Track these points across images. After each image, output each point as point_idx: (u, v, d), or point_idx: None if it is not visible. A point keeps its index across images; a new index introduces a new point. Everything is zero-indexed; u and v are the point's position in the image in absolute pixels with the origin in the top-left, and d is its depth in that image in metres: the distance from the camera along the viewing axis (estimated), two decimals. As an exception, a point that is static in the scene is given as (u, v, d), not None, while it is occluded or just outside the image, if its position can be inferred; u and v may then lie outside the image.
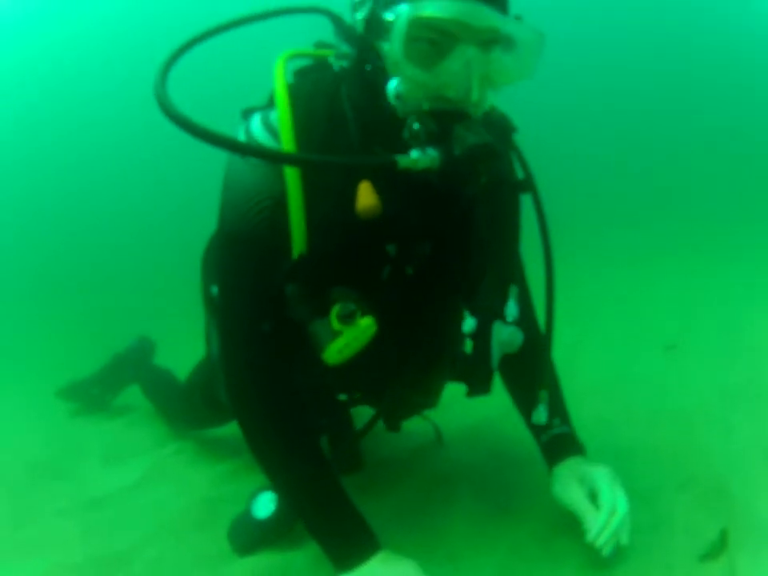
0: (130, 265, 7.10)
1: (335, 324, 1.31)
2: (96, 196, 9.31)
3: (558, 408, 1.79)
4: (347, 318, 1.30)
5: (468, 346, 1.56)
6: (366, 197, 1.32)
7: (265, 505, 1.78)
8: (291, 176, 1.37)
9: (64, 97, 10.27)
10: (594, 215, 6.63)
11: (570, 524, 1.70)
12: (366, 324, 1.32)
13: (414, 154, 1.26)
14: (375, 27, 1.29)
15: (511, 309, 1.55)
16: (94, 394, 3.26)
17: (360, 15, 1.35)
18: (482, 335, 1.51)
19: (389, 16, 1.25)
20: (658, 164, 8.72)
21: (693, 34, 10.74)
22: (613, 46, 11.02)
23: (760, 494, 1.85)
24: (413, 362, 1.63)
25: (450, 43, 1.26)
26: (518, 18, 1.34)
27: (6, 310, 5.90)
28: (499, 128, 1.49)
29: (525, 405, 1.82)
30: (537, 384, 1.64)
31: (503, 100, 1.49)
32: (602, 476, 1.63)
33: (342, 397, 1.80)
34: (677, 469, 2.05)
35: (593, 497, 1.62)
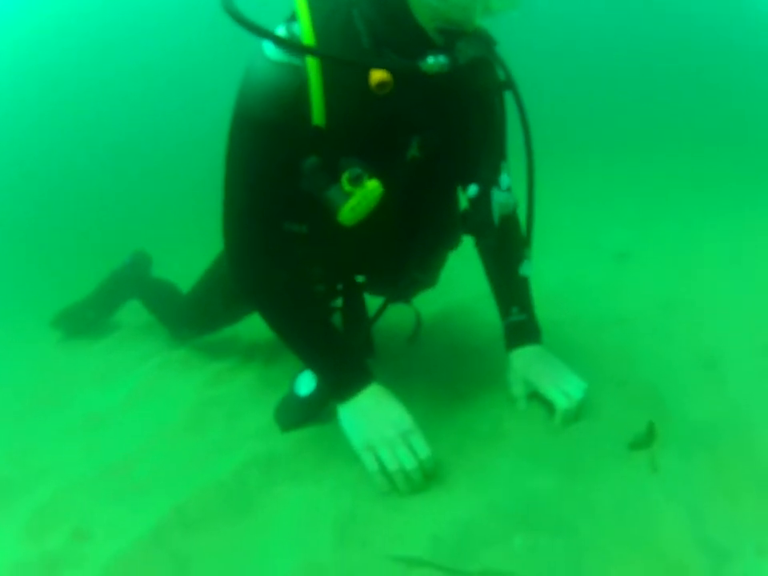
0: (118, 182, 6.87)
1: (346, 186, 1.48)
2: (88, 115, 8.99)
3: (520, 298, 2.04)
4: (356, 180, 1.48)
5: (470, 206, 1.79)
6: (378, 73, 1.46)
7: (306, 384, 1.97)
8: (311, 61, 1.49)
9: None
10: (561, 123, 6.56)
11: (515, 409, 1.97)
12: (372, 185, 1.49)
13: (430, 60, 1.47)
14: None
15: (504, 179, 1.78)
16: (89, 318, 3.23)
17: None
18: (484, 197, 1.74)
19: None
20: (634, 80, 8.63)
21: None
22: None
23: (689, 398, 1.96)
24: (419, 236, 1.87)
25: None
26: None
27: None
28: (483, 41, 1.65)
29: (499, 286, 2.12)
30: (521, 244, 1.96)
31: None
32: (543, 384, 1.91)
33: (359, 278, 2.05)
34: (614, 370, 2.16)
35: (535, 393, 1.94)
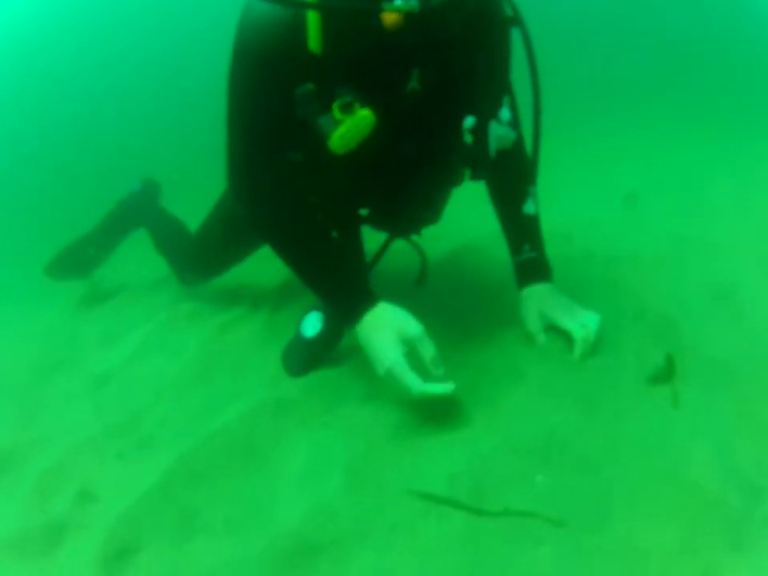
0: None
1: (337, 114, 1.46)
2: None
3: (531, 236, 1.96)
4: (346, 108, 1.45)
5: (469, 138, 1.75)
6: (391, 15, 1.42)
7: (312, 325, 1.93)
8: None
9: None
10: (567, 67, 6.36)
11: (530, 345, 1.85)
12: (363, 114, 1.46)
13: (398, 1, 1.39)
14: None
15: (505, 113, 1.73)
16: (90, 255, 3.07)
17: None
18: (481, 129, 1.70)
19: None
20: (638, 23, 8.38)
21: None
22: None
23: (707, 331, 1.86)
24: (420, 170, 1.80)
25: None
26: None
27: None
28: None
29: (508, 223, 2.03)
30: (526, 181, 1.91)
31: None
32: (559, 317, 1.84)
33: (362, 212, 1.99)
34: (629, 303, 2.07)
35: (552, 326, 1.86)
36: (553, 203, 3.09)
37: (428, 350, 1.57)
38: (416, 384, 1.53)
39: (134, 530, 1.44)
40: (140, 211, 3.01)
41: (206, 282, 2.68)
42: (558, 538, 1.22)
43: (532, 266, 1.95)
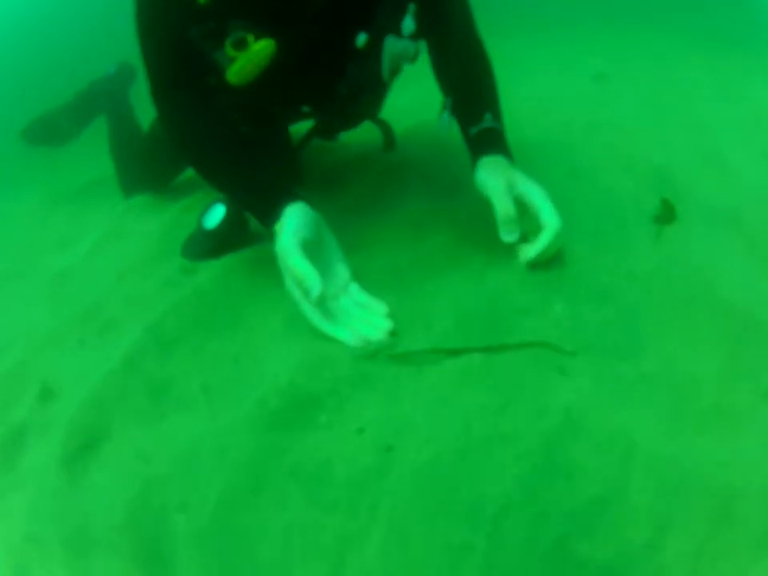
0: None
1: (230, 51, 1.38)
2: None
3: (492, 107, 1.59)
4: (239, 45, 1.38)
5: (358, 60, 1.57)
6: None
7: (214, 217, 1.79)
8: None
9: None
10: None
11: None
12: (258, 47, 1.37)
13: None
14: None
15: (408, 24, 1.52)
16: (61, 126, 2.85)
17: None
18: (373, 48, 1.52)
19: None
20: None
21: None
22: None
23: (703, 184, 1.72)
24: (341, 76, 1.62)
25: None
26: None
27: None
28: None
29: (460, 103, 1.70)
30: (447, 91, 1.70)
31: None
32: (537, 191, 1.37)
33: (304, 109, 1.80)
34: (617, 160, 1.89)
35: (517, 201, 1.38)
36: (524, 82, 2.88)
37: (290, 274, 1.28)
38: (308, 314, 1.30)
39: (97, 417, 1.22)
40: (108, 97, 2.80)
41: (149, 194, 2.44)
42: (592, 367, 1.05)
43: (497, 137, 1.52)
